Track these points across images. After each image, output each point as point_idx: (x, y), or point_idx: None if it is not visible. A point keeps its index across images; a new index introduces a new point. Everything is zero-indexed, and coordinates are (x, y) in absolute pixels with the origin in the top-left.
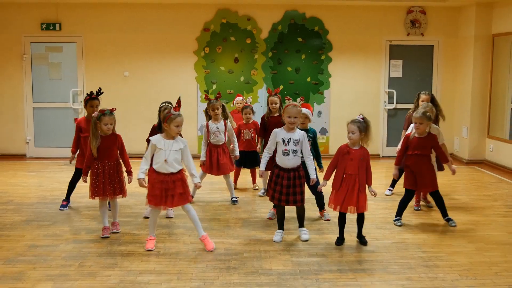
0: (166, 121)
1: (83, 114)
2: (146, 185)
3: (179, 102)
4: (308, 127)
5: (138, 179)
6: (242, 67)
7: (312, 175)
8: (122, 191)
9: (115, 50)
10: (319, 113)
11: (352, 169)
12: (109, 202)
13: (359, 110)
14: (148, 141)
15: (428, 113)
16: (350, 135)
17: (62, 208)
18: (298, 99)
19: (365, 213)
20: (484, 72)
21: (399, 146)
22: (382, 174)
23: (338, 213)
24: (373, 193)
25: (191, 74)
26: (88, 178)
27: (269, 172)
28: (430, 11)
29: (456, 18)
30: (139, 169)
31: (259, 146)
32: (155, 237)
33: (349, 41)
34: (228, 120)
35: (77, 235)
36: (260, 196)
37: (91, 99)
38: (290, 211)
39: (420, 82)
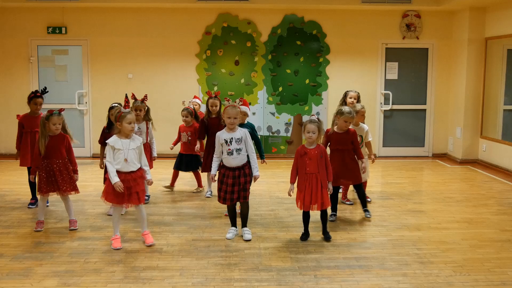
0: (118, 120)
1: (88, 115)
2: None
3: (127, 100)
4: (246, 122)
5: (115, 183)
6: (242, 69)
7: (255, 173)
8: (73, 188)
9: (120, 53)
10: (317, 114)
11: (311, 168)
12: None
13: None
14: (100, 143)
15: (353, 112)
16: (310, 134)
17: (30, 206)
18: (237, 100)
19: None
20: (477, 74)
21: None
22: (378, 173)
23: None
24: (329, 190)
25: (193, 76)
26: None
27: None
28: (425, 15)
29: (450, 21)
30: (110, 173)
31: (197, 147)
32: (120, 236)
33: (346, 44)
34: (151, 123)
35: (83, 233)
36: (207, 197)
37: (35, 97)
38: (289, 210)
39: (415, 84)
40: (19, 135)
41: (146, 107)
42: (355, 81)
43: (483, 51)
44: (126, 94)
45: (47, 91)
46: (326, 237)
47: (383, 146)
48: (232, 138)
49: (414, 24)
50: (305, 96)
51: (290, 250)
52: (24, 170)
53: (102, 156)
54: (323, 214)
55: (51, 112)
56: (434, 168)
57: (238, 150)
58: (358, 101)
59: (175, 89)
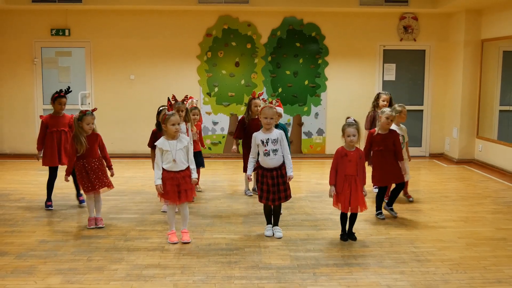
0: (163, 122)
1: None
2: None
3: (170, 103)
4: (278, 123)
5: (156, 185)
6: (242, 70)
7: (289, 173)
8: (109, 184)
9: (122, 55)
10: (316, 114)
11: (351, 170)
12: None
13: (354, 112)
14: (150, 146)
15: (393, 110)
16: (351, 138)
17: (49, 208)
18: (274, 101)
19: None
20: (473, 75)
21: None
22: None
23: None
24: (364, 193)
25: (194, 77)
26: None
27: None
28: (422, 17)
29: (446, 24)
30: (155, 176)
31: (234, 147)
32: (175, 231)
33: (345, 46)
34: (190, 123)
35: (86, 231)
36: (249, 196)
37: (59, 97)
38: (289, 209)
39: (412, 85)
40: (42, 136)
41: (186, 108)
42: (353, 82)
43: (479, 52)
44: (168, 98)
45: (71, 91)
46: (352, 238)
47: None
48: (268, 138)
49: (412, 26)
50: (304, 97)
51: (290, 249)
52: (31, 169)
53: (153, 158)
54: (354, 216)
55: (84, 113)
56: (431, 168)
57: (275, 151)
58: (391, 102)
59: (176, 90)
